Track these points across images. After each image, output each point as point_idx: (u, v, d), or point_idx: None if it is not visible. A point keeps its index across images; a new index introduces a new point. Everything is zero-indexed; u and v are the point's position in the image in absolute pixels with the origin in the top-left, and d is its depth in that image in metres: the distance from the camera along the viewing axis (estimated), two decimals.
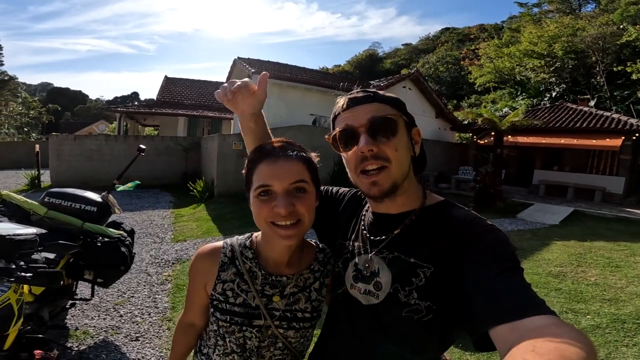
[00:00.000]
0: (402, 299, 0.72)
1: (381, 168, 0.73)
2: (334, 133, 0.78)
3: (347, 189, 1.02)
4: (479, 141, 14.20)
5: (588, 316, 3.37)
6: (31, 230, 1.99)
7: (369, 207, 0.87)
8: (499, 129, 11.09)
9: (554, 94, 19.72)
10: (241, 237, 0.92)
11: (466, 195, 10.61)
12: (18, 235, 1.87)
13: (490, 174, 9.71)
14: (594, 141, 11.28)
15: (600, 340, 2.92)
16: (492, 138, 11.96)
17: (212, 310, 0.85)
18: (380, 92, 0.80)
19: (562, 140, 11.91)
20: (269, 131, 0.98)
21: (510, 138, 12.25)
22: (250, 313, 0.81)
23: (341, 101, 0.80)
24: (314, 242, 0.94)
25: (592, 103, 15.89)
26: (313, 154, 0.85)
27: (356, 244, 0.84)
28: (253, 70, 11.42)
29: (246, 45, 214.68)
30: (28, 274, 1.76)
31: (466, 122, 15.39)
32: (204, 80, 21.36)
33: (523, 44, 20.68)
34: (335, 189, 1.04)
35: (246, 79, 0.86)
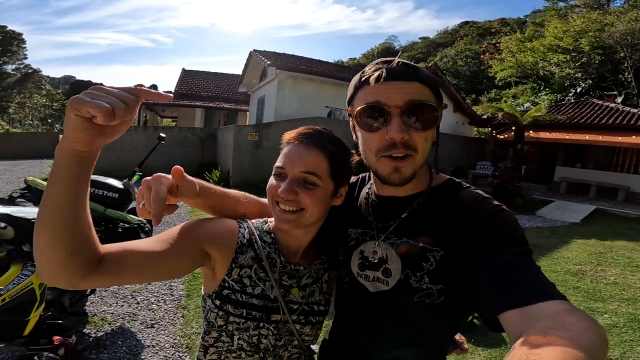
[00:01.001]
0: (413, 285, 0.70)
1: (407, 156, 0.67)
2: (360, 107, 0.68)
3: None
4: (498, 136, 13.85)
5: (605, 315, 3.31)
6: None
7: (370, 191, 0.82)
8: (520, 124, 10.78)
9: (579, 89, 19.04)
10: (255, 220, 0.84)
11: (484, 190, 10.37)
12: None
13: (509, 169, 9.47)
14: (619, 138, 10.85)
15: (616, 340, 2.87)
16: (512, 133, 11.65)
17: (218, 303, 0.74)
18: (421, 67, 0.70)
19: (587, 137, 11.49)
20: (225, 193, 0.83)
21: (531, 133, 11.89)
22: (269, 307, 0.75)
23: (373, 69, 0.68)
24: None
25: (619, 99, 15.29)
26: (352, 152, 0.80)
27: (360, 230, 0.80)
28: (269, 63, 11.40)
29: (262, 39, 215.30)
30: None
31: (485, 117, 15.01)
32: (221, 73, 21.58)
33: (547, 38, 20.05)
34: None
35: (158, 189, 0.62)
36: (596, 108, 13.04)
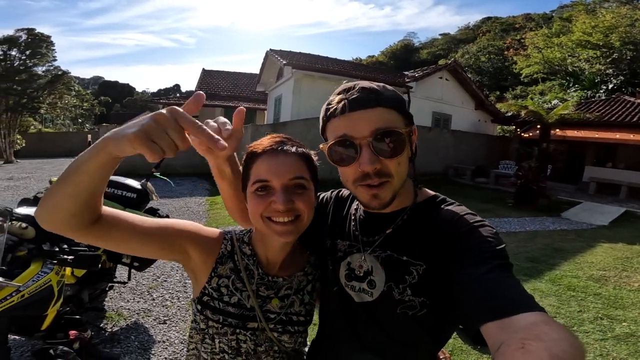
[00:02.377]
0: (396, 297, 0.71)
1: (383, 183, 0.69)
2: (330, 144, 0.69)
3: (331, 190, 0.97)
4: (522, 134, 13.38)
5: (624, 323, 3.15)
6: None
7: (358, 206, 0.85)
8: (545, 122, 10.37)
9: (610, 86, 18.10)
10: (239, 230, 0.87)
11: (505, 190, 10.09)
12: None
13: (533, 169, 9.12)
14: None
15: (632, 349, 2.74)
16: (537, 131, 11.22)
17: (199, 307, 0.78)
18: (381, 88, 0.69)
19: (617, 135, 10.94)
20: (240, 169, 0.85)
21: (558, 132, 11.42)
22: (245, 315, 0.76)
23: (336, 101, 0.69)
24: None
25: None
26: (312, 153, 0.80)
27: (347, 242, 0.82)
28: (285, 62, 11.48)
29: (280, 37, 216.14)
30: (70, 257, 1.91)
31: (509, 115, 14.52)
32: (239, 72, 21.90)
33: (576, 34, 19.26)
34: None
35: (222, 120, 0.70)
36: (628, 105, 12.37)
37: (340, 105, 0.68)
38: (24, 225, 1.89)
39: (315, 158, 0.80)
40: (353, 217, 0.84)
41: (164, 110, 0.54)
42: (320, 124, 0.76)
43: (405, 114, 0.71)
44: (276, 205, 0.70)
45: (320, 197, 0.96)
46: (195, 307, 0.79)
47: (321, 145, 0.74)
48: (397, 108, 0.69)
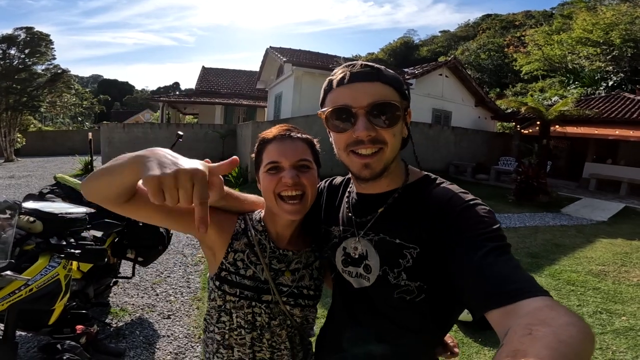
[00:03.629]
0: (392, 281, 0.71)
1: (376, 151, 0.71)
2: (329, 110, 0.72)
3: (324, 180, 1.00)
4: (522, 131, 13.38)
5: (623, 317, 3.18)
6: (81, 210, 2.16)
7: (351, 190, 0.86)
8: (545, 119, 10.36)
9: (610, 83, 18.07)
10: (254, 211, 0.94)
11: (506, 187, 10.10)
12: (69, 213, 2.05)
13: (534, 165, 9.13)
14: None
15: (630, 343, 2.77)
16: (537, 128, 11.21)
17: (217, 284, 0.84)
18: (383, 68, 0.72)
19: (617, 132, 10.94)
20: (244, 198, 0.92)
21: (558, 128, 11.42)
22: (260, 287, 0.83)
23: (339, 72, 0.72)
24: None
25: None
26: (315, 140, 0.90)
27: (342, 227, 0.83)
28: (285, 59, 11.47)
29: (280, 35, 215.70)
30: (77, 251, 1.93)
31: (509, 111, 14.51)
32: (239, 70, 21.90)
33: (576, 31, 19.19)
34: None
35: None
36: (628, 102, 12.34)
37: (342, 75, 0.71)
38: (31, 219, 1.91)
39: (317, 145, 0.90)
40: (346, 202, 0.86)
41: (194, 167, 0.55)
42: (322, 94, 0.77)
43: (402, 93, 0.73)
44: (285, 179, 0.79)
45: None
46: (213, 285, 0.86)
47: (319, 112, 0.76)
48: (394, 86, 0.72)
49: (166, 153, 0.59)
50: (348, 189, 0.88)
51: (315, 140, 0.89)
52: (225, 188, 0.83)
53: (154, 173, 0.53)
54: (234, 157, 0.67)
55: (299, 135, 0.85)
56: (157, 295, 3.28)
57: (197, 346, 2.54)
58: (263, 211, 0.91)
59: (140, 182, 0.70)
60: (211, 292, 0.87)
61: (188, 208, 0.72)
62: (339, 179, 0.96)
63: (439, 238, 0.66)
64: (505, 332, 0.47)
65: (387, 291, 0.72)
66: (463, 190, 0.72)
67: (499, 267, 0.55)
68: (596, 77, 18.94)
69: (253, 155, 0.89)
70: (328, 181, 0.99)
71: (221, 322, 0.85)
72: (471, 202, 0.67)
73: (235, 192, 0.92)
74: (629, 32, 17.10)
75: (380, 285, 0.73)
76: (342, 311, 0.83)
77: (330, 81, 0.74)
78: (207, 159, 0.65)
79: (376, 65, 0.72)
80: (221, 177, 0.69)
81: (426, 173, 0.81)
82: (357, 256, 0.78)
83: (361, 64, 0.71)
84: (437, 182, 0.77)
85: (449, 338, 0.87)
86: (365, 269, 0.76)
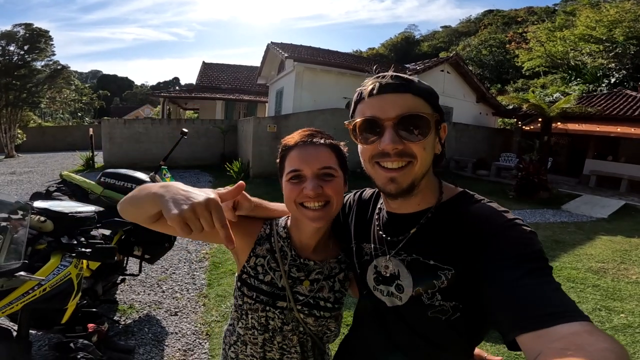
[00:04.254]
0: (425, 302, 0.69)
1: (405, 165, 0.68)
2: (355, 121, 0.70)
3: (352, 192, 0.98)
4: (524, 127, 13.37)
5: (622, 314, 3.22)
6: (90, 208, 2.18)
7: (381, 206, 0.83)
8: (547, 115, 10.35)
9: (612, 80, 18.01)
10: (281, 217, 0.94)
11: (506, 183, 10.13)
12: (79, 212, 2.07)
13: (534, 162, 9.14)
14: None
15: (629, 340, 2.82)
16: (538, 124, 11.21)
17: (239, 284, 0.87)
18: (416, 80, 0.71)
19: (619, 129, 10.91)
20: (274, 208, 0.94)
21: (559, 125, 11.41)
22: (276, 293, 0.84)
23: (369, 83, 0.70)
24: None
25: None
26: (342, 143, 0.86)
27: (373, 245, 0.81)
28: (286, 55, 11.43)
29: (280, 30, 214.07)
30: (88, 250, 1.95)
31: (510, 108, 14.49)
32: (240, 65, 21.75)
33: (579, 28, 19.10)
34: None
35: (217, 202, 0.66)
36: (630, 99, 12.32)
37: (371, 87, 0.69)
38: (42, 218, 1.93)
39: (345, 149, 0.87)
40: (377, 219, 0.83)
41: (207, 197, 0.61)
42: (352, 106, 0.76)
43: (434, 105, 0.71)
44: (307, 191, 0.77)
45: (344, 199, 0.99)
46: (236, 284, 0.89)
47: (346, 122, 0.74)
48: (426, 98, 0.70)
49: (179, 189, 0.63)
50: (379, 205, 0.85)
51: (341, 144, 0.86)
52: (256, 199, 0.87)
53: (174, 212, 0.58)
54: (241, 182, 0.73)
55: (322, 141, 0.82)
56: (163, 292, 3.31)
57: (205, 343, 2.58)
58: (290, 218, 0.91)
59: None
60: (234, 290, 0.90)
61: None
62: (369, 192, 0.94)
63: (476, 258, 0.63)
64: (535, 355, 0.45)
65: (421, 310, 0.70)
66: (503, 209, 0.68)
67: (538, 288, 0.53)
68: (598, 74, 18.87)
69: (278, 160, 0.88)
70: (358, 194, 0.96)
71: (242, 319, 0.87)
72: (512, 222, 0.64)
73: (265, 203, 0.92)
74: (632, 29, 17.02)
75: (413, 304, 0.71)
76: (372, 327, 0.82)
77: (360, 92, 0.73)
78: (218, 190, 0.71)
79: (408, 77, 0.71)
80: (245, 193, 0.76)
81: (463, 190, 0.77)
82: (388, 275, 0.76)
83: (392, 76, 0.69)
84: (475, 199, 0.73)
85: (476, 350, 0.85)
86: (398, 289, 0.74)
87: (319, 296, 0.86)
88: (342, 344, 0.94)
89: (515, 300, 0.53)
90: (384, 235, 0.79)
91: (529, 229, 0.63)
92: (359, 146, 0.74)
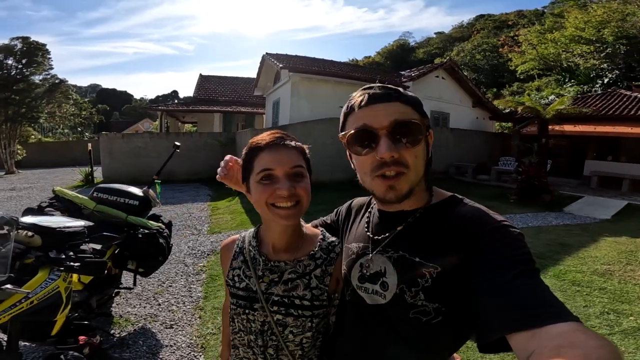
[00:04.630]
0: (408, 300, 0.69)
1: (399, 174, 0.69)
2: (350, 132, 0.72)
3: (347, 203, 1.01)
4: (521, 130, 13.40)
5: (631, 317, 3.13)
6: (80, 223, 2.16)
7: (372, 209, 0.85)
8: (543, 118, 10.38)
9: (606, 80, 18.16)
10: (253, 228, 1.01)
11: (507, 187, 10.09)
12: (68, 227, 2.05)
13: (534, 164, 9.13)
14: None
15: (639, 343, 2.73)
16: (535, 127, 11.23)
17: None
18: (402, 90, 0.73)
19: (616, 129, 10.94)
20: None
21: (556, 127, 11.44)
22: (252, 297, 0.88)
23: (358, 95, 0.73)
24: (320, 230, 0.97)
25: None
26: (305, 146, 0.90)
27: (361, 244, 0.82)
28: (282, 66, 11.51)
29: (277, 42, 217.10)
30: (76, 264, 1.92)
31: (507, 111, 14.55)
32: (237, 77, 21.95)
33: (568, 29, 19.38)
34: (332, 214, 1.04)
35: (229, 158, 1.02)
36: (625, 99, 12.40)
37: (360, 98, 0.72)
38: (30, 233, 1.91)
39: (307, 152, 0.90)
40: (367, 220, 0.85)
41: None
42: (341, 119, 0.77)
43: (422, 113, 0.73)
44: (281, 191, 0.79)
45: (337, 210, 1.04)
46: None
47: (340, 135, 0.75)
48: (414, 106, 0.72)
49: None
50: (369, 209, 0.88)
51: (306, 148, 0.90)
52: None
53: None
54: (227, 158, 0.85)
55: (292, 142, 0.86)
56: (159, 305, 3.26)
57: (201, 356, 2.52)
58: (261, 226, 0.96)
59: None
60: None
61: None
62: (361, 200, 0.96)
63: (464, 257, 0.63)
64: (528, 354, 0.46)
65: (403, 310, 0.70)
66: (493, 212, 0.70)
67: (531, 289, 0.54)
68: (591, 75, 19.05)
69: (242, 161, 0.90)
70: (348, 203, 1.00)
71: (233, 324, 0.94)
72: (502, 224, 0.65)
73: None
74: (620, 29, 17.22)
75: (396, 303, 0.71)
76: (356, 328, 0.81)
77: (349, 105, 0.74)
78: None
79: (394, 87, 0.73)
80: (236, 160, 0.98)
81: (452, 194, 0.78)
82: (371, 273, 0.76)
83: (379, 86, 0.72)
84: (465, 202, 0.75)
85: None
86: (382, 287, 0.74)
87: (294, 295, 0.86)
88: (322, 346, 0.92)
89: (509, 300, 0.54)
90: (372, 233, 0.81)
91: (518, 230, 0.64)
92: (355, 160, 0.76)
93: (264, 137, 0.85)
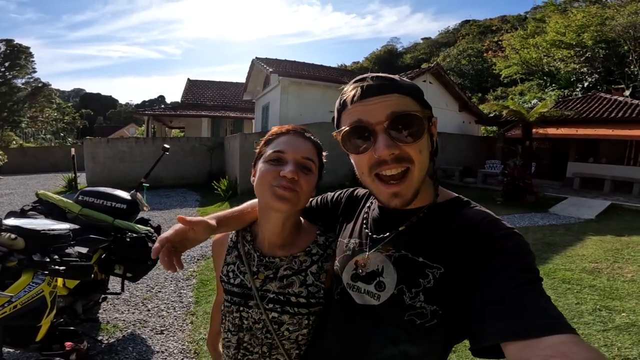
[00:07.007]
0: (407, 301, 0.65)
1: (404, 173, 0.64)
2: (344, 130, 0.66)
3: (345, 189, 0.95)
4: (506, 134, 13.70)
5: (623, 314, 3.20)
6: (65, 226, 2.09)
7: (372, 203, 0.80)
8: (527, 121, 10.64)
9: (586, 84, 18.78)
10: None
11: (494, 189, 10.26)
12: (52, 230, 1.97)
13: (519, 166, 9.33)
14: (630, 131, 10.61)
15: (634, 339, 2.78)
16: (519, 130, 11.50)
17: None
18: (398, 78, 0.67)
19: (597, 131, 11.28)
20: (240, 212, 0.92)
21: (540, 130, 11.74)
22: (246, 294, 0.85)
23: (350, 89, 0.66)
24: (317, 225, 0.92)
25: (627, 92, 15.00)
26: (324, 151, 0.89)
27: (358, 241, 0.77)
28: (271, 70, 11.52)
29: (266, 47, 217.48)
30: (61, 267, 1.86)
31: (492, 115, 14.86)
32: (225, 82, 21.81)
33: (549, 34, 20.00)
34: (330, 194, 0.96)
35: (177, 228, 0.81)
36: (604, 102, 12.82)
37: (354, 92, 0.65)
38: (12, 236, 1.83)
39: (324, 155, 0.88)
40: (366, 216, 0.80)
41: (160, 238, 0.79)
42: (335, 115, 0.72)
43: (422, 102, 0.67)
44: (285, 172, 0.76)
45: (333, 195, 0.96)
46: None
47: (334, 133, 0.70)
48: (413, 95, 0.66)
49: None
50: (368, 204, 0.82)
51: (324, 152, 0.88)
52: (221, 214, 0.88)
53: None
54: (179, 217, 0.77)
55: (312, 137, 0.86)
56: (148, 310, 3.16)
57: None
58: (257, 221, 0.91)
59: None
60: None
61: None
62: (362, 191, 0.90)
63: (468, 261, 0.61)
64: None
65: (398, 312, 0.66)
66: (498, 218, 0.66)
67: (532, 299, 0.53)
68: (572, 79, 19.65)
69: (257, 147, 0.87)
70: (350, 191, 0.93)
71: (224, 323, 0.90)
72: (510, 232, 0.62)
73: (229, 213, 0.90)
74: (599, 33, 17.85)
75: (391, 304, 0.67)
76: (342, 328, 0.76)
77: (343, 100, 0.68)
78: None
79: (389, 76, 0.67)
80: (201, 220, 0.79)
81: (457, 195, 0.75)
82: (366, 272, 0.71)
83: (372, 77, 0.66)
84: (472, 204, 0.71)
85: None
86: (378, 287, 0.69)
87: (289, 292, 0.83)
88: (308, 347, 0.86)
89: (508, 309, 0.53)
90: (371, 231, 0.75)
91: (524, 240, 0.62)
92: (352, 158, 0.70)
93: (286, 126, 0.86)
